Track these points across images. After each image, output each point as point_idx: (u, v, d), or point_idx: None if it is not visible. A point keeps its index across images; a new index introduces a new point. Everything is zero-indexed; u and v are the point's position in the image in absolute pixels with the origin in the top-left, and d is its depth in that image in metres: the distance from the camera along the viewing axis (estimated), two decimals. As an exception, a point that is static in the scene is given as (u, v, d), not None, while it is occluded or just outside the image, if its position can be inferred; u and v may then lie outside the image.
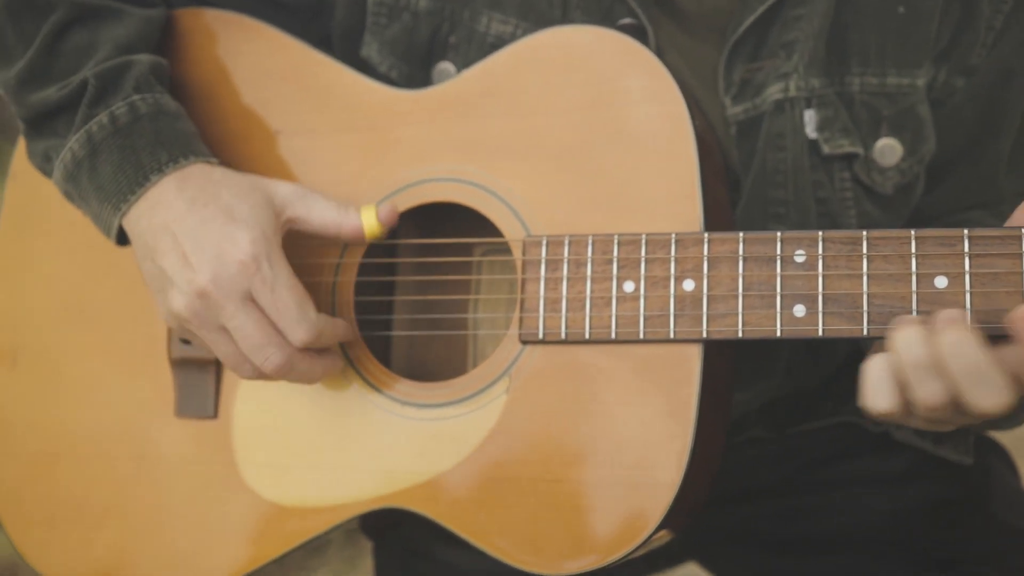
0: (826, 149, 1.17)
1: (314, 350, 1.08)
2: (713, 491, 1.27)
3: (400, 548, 1.28)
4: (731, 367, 1.11)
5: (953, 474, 1.27)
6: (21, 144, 1.28)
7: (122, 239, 1.15)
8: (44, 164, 1.19)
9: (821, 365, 1.29)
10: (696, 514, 1.13)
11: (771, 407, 1.31)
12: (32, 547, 1.26)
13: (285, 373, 1.07)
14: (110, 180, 1.12)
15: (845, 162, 1.18)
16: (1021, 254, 0.94)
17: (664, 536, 1.12)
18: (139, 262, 1.12)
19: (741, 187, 1.18)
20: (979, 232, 0.95)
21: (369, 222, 1.10)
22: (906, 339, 0.91)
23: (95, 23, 1.16)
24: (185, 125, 1.14)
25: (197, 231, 1.06)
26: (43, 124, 1.17)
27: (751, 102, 1.17)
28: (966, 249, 0.95)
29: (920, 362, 0.89)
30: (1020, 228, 0.95)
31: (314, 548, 1.28)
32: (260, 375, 1.08)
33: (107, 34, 1.16)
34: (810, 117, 1.17)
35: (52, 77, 1.15)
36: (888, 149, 1.19)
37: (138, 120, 1.12)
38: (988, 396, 0.88)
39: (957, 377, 0.89)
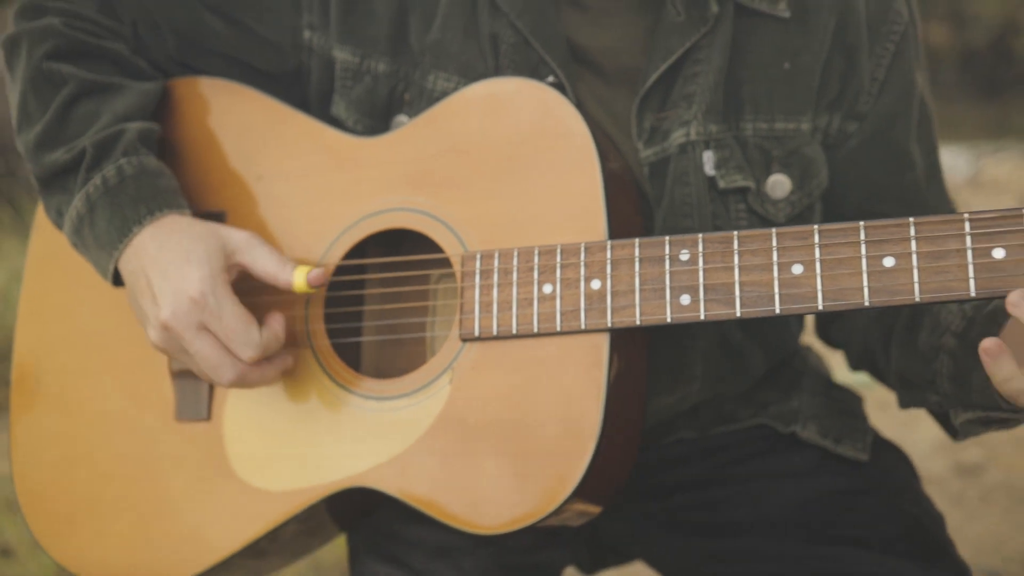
0: (722, 184, 1.37)
1: (263, 362, 1.30)
2: (646, 483, 1.46)
3: (369, 530, 1.46)
4: (643, 359, 1.30)
5: (851, 469, 1.46)
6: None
7: (117, 281, 1.37)
8: (57, 219, 1.41)
9: (739, 376, 1.48)
10: (620, 490, 1.31)
11: (696, 412, 1.49)
12: (53, 541, 1.45)
13: (243, 383, 1.30)
14: (104, 232, 1.34)
15: (740, 195, 1.38)
16: (859, 242, 1.14)
17: (593, 509, 1.30)
18: (129, 301, 1.35)
19: (655, 219, 1.38)
20: (826, 227, 1.16)
21: (299, 280, 1.31)
22: None
23: (100, 96, 1.40)
24: (165, 181, 1.36)
25: (162, 273, 1.29)
26: (54, 182, 1.39)
27: (660, 146, 1.38)
28: (816, 241, 1.16)
29: None
30: (860, 223, 1.15)
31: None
32: (227, 386, 1.29)
33: (108, 105, 1.39)
34: (708, 157, 1.37)
35: (62, 140, 1.38)
36: (778, 184, 1.39)
37: (123, 181, 1.34)
38: None
39: None
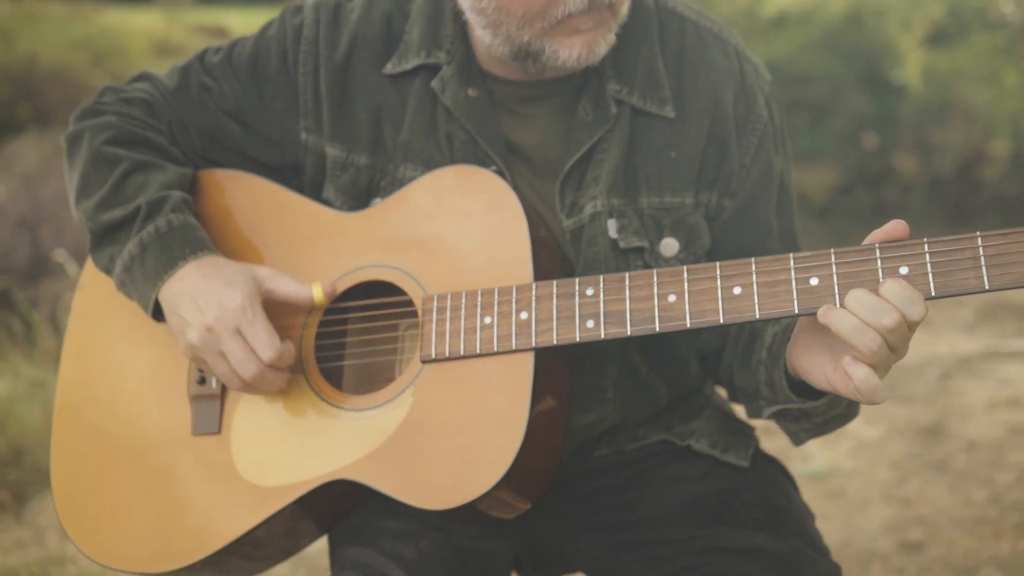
0: (622, 244, 1.84)
1: (276, 369, 1.74)
2: (571, 491, 1.89)
3: (346, 526, 1.87)
4: (564, 375, 1.75)
5: (734, 472, 1.91)
6: (90, 262, 1.97)
7: (156, 312, 1.81)
8: (108, 264, 1.87)
9: (646, 403, 1.92)
10: (543, 485, 1.73)
11: (612, 434, 1.93)
12: (84, 538, 1.86)
13: (258, 381, 1.74)
14: (152, 267, 1.80)
15: (637, 253, 1.85)
16: (716, 276, 1.60)
17: (521, 502, 1.72)
18: (167, 317, 1.80)
19: (575, 274, 1.84)
20: (693, 267, 1.62)
21: (318, 293, 1.78)
22: (857, 296, 1.49)
23: (148, 171, 1.88)
24: (203, 234, 1.84)
25: (207, 292, 1.74)
26: (108, 235, 1.86)
27: (577, 217, 1.86)
28: (686, 277, 1.62)
29: (873, 302, 1.47)
30: (716, 264, 1.61)
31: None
32: (244, 385, 1.73)
33: (155, 179, 1.87)
34: (612, 224, 1.84)
35: (118, 203, 1.85)
36: (668, 245, 1.86)
37: (172, 230, 1.81)
38: (920, 310, 1.49)
39: (899, 304, 1.48)
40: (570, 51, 1.75)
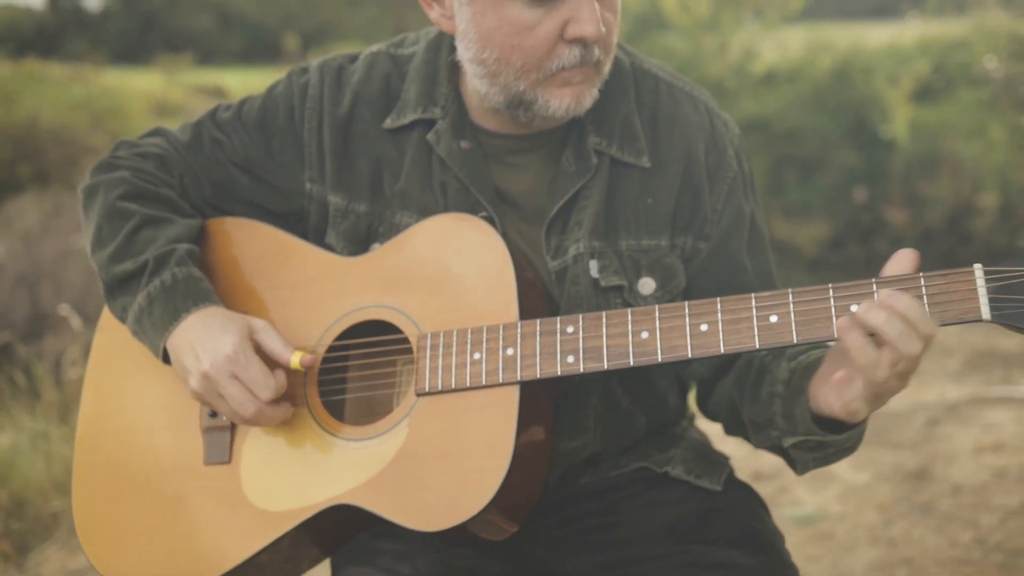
0: (603, 283, 2.01)
1: (274, 405, 1.91)
2: (557, 515, 2.04)
3: (349, 547, 2.02)
4: (547, 408, 1.91)
5: (709, 496, 2.07)
6: (107, 308, 2.14)
7: (165, 357, 1.98)
8: (122, 314, 2.04)
9: (626, 432, 2.09)
10: (529, 508, 1.88)
11: (595, 460, 2.09)
12: (102, 559, 2.00)
13: (259, 418, 1.90)
14: (159, 318, 1.97)
15: (617, 291, 2.02)
16: (685, 315, 1.77)
17: (508, 525, 1.87)
18: (174, 364, 1.97)
19: (560, 312, 2.02)
20: (664, 306, 1.79)
21: (295, 361, 1.95)
22: (867, 307, 1.59)
23: (157, 226, 2.05)
24: (205, 285, 2.01)
25: (203, 340, 1.91)
26: (120, 287, 2.03)
27: (561, 259, 2.03)
28: (657, 315, 1.79)
29: (881, 317, 1.58)
30: (685, 303, 1.78)
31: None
32: (247, 421, 1.89)
33: (163, 233, 2.04)
34: (593, 265, 2.02)
35: (128, 256, 2.03)
36: (646, 284, 2.03)
37: (176, 283, 1.98)
38: (929, 325, 1.60)
39: (910, 317, 1.58)
40: (560, 101, 1.94)
